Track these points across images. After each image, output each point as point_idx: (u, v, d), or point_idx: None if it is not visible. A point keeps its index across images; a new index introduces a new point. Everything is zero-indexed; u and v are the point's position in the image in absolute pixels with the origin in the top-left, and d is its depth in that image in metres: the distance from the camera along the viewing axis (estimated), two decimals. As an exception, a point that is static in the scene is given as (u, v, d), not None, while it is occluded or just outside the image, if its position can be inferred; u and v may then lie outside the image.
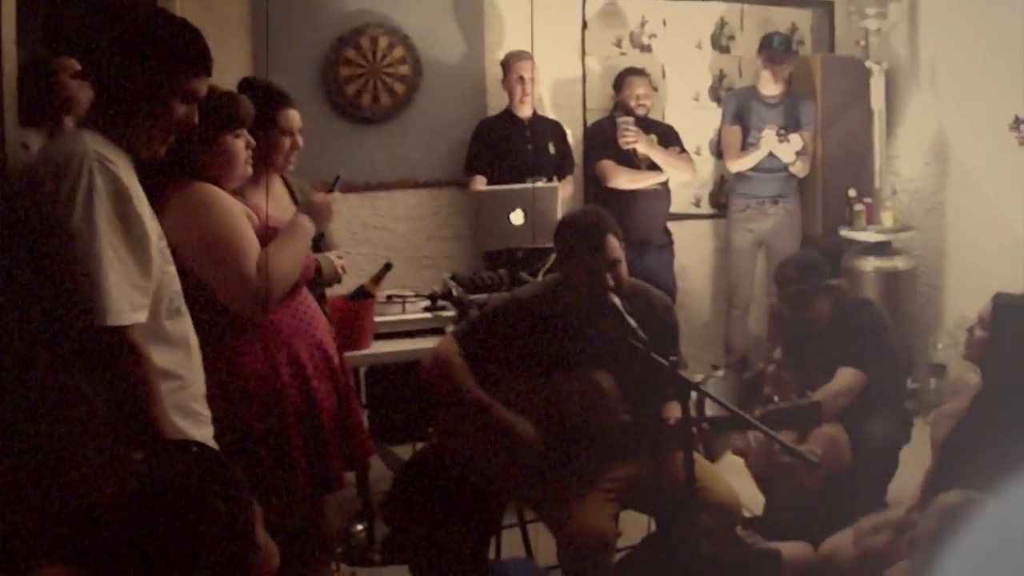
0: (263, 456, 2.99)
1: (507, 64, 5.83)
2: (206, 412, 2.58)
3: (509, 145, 5.75)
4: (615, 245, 3.38)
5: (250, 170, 3.15)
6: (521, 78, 5.72)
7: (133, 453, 2.27)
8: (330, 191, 3.43)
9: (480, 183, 5.58)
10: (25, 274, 2.29)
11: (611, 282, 3.31)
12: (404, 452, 4.88)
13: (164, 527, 1.71)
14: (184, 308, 2.54)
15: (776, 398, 3.97)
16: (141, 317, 2.30)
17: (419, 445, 4.69)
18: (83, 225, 2.21)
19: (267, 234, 3.04)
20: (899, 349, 4.34)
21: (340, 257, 3.97)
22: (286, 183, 3.77)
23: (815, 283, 4.14)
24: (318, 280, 3.71)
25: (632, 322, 3.13)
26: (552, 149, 5.86)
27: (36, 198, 2.25)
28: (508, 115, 5.85)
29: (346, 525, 4.54)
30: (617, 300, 3.23)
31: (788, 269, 4.31)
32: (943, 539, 2.45)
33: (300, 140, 3.64)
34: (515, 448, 3.33)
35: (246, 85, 3.51)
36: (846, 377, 4.03)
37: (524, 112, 5.81)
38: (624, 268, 3.42)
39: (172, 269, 2.51)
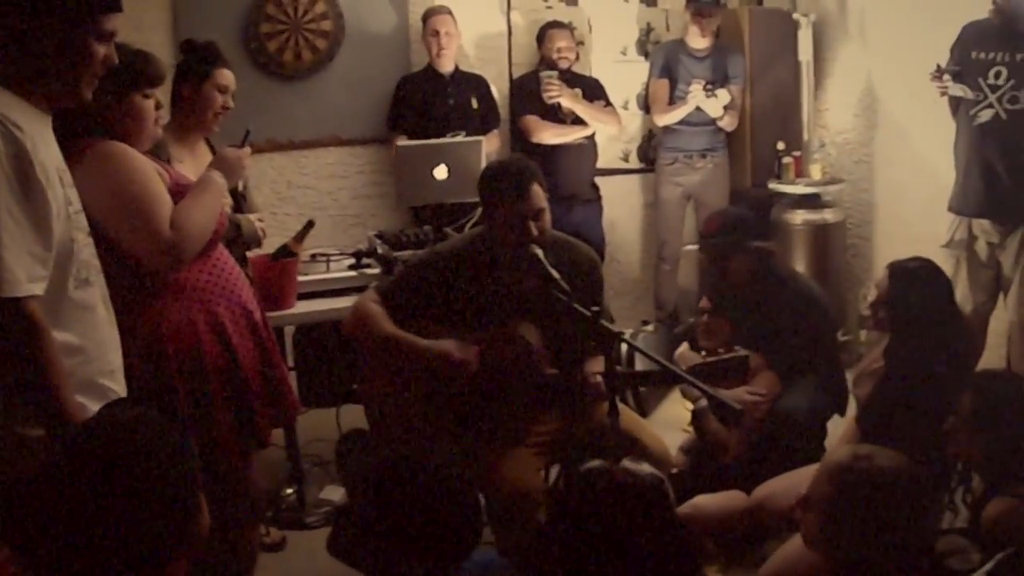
0: (185, 415, 2.94)
1: (424, 20, 5.80)
2: (117, 387, 2.49)
3: (431, 101, 5.70)
4: (539, 194, 3.35)
5: (159, 132, 3.10)
6: (436, 32, 5.69)
7: (31, 431, 2.21)
8: (240, 146, 3.38)
9: (402, 142, 5.48)
10: None
11: (534, 231, 3.28)
12: (332, 415, 4.81)
13: (110, 491, 1.65)
14: (94, 278, 2.44)
15: (704, 352, 3.98)
16: (38, 289, 2.20)
17: (346, 407, 4.65)
18: None
19: (178, 191, 2.98)
20: (829, 323, 4.36)
21: (261, 220, 3.94)
22: (211, 148, 3.73)
23: (735, 238, 4.13)
24: (238, 242, 3.66)
25: (555, 273, 3.11)
26: (475, 104, 5.80)
27: None
28: (429, 71, 5.80)
29: (275, 489, 4.50)
30: (539, 251, 3.21)
31: (712, 221, 4.34)
32: (834, 501, 2.41)
33: (231, 102, 3.64)
34: (443, 375, 3.31)
35: (187, 45, 3.57)
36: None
37: (445, 67, 5.76)
38: (548, 219, 3.39)
39: (84, 237, 2.41)
